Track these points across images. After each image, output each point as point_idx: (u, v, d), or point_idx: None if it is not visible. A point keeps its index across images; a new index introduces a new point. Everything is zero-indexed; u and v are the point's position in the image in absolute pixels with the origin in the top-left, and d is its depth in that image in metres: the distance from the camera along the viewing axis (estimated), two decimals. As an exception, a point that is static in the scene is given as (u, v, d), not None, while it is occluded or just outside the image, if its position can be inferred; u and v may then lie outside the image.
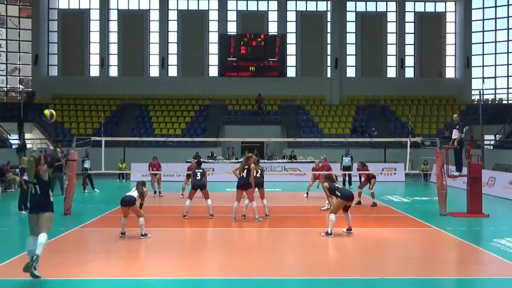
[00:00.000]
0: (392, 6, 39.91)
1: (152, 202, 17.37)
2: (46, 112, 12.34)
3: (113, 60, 39.46)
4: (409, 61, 39.86)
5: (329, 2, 39.51)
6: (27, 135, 32.98)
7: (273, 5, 39.32)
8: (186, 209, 14.13)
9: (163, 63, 38.94)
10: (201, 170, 14.26)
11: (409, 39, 39.94)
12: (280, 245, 11.27)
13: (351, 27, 39.74)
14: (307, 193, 19.42)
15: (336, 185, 12.30)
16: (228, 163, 27.61)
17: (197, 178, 14.11)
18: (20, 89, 39.31)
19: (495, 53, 39.50)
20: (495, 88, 39.71)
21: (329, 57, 39.27)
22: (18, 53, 39.34)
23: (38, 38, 38.54)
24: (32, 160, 8.33)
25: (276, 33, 39.07)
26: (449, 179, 15.84)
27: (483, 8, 39.60)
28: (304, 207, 17.39)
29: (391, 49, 39.94)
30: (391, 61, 39.85)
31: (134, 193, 11.40)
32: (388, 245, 11.14)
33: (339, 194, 11.93)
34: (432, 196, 18.53)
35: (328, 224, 11.67)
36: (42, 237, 7.99)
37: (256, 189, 14.30)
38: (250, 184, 13.78)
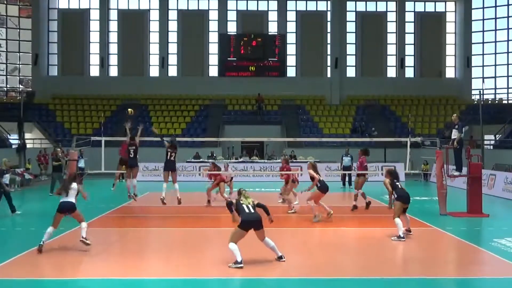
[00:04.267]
0: (392, 6, 39.91)
1: (151, 202, 17.34)
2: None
3: (113, 60, 39.46)
4: (409, 61, 39.85)
5: (329, 2, 39.51)
6: (27, 135, 33.02)
7: (273, 5, 39.32)
8: (163, 193, 14.16)
9: (163, 63, 38.94)
10: (175, 153, 14.49)
11: (409, 39, 39.93)
12: (280, 245, 11.25)
13: (351, 27, 39.74)
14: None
15: (397, 183, 11.78)
16: (227, 162, 27.59)
17: (171, 159, 14.36)
18: (20, 89, 39.31)
19: (495, 53, 39.49)
20: (495, 88, 39.70)
21: (329, 57, 39.26)
22: (18, 53, 39.34)
23: (38, 38, 38.53)
24: None
25: (276, 33, 39.05)
26: (449, 179, 15.83)
27: (483, 8, 39.60)
28: (303, 207, 17.35)
29: (391, 49, 39.94)
30: (391, 61, 39.85)
31: (72, 198, 10.50)
32: (388, 245, 11.12)
33: (395, 195, 11.57)
34: (432, 196, 18.52)
35: (397, 229, 11.27)
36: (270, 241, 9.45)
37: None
38: None
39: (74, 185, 10.54)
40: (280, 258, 9.27)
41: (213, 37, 39.46)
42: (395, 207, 11.51)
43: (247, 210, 9.21)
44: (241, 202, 9.33)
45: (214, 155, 29.60)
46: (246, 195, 9.52)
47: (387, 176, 11.91)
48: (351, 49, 39.75)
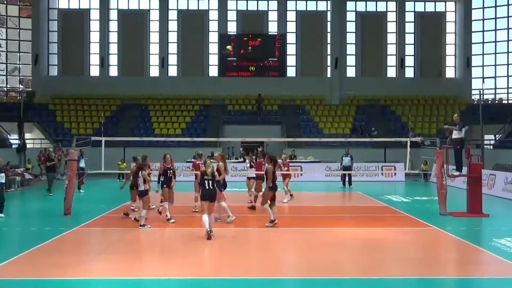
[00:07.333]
0: (392, 6, 39.89)
1: (151, 202, 17.34)
2: None
3: (113, 60, 39.45)
4: (409, 61, 39.83)
5: (329, 2, 39.49)
6: (27, 135, 33.02)
7: (273, 5, 39.30)
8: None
9: (163, 63, 38.92)
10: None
11: (409, 39, 39.92)
12: (280, 245, 11.27)
13: (351, 27, 39.72)
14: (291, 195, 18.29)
15: (276, 172, 12.79)
16: (227, 162, 27.57)
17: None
18: (20, 89, 39.30)
19: (495, 53, 39.47)
20: (495, 88, 39.69)
21: (329, 57, 39.25)
22: (18, 53, 39.33)
23: (38, 38, 38.51)
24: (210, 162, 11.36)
25: (276, 33, 39.05)
26: (449, 179, 15.84)
27: (483, 8, 39.59)
28: (303, 207, 17.38)
29: (391, 49, 39.92)
30: (391, 61, 39.84)
31: (142, 186, 12.70)
32: (388, 245, 11.13)
33: (271, 184, 12.41)
34: (432, 196, 18.53)
35: (269, 215, 12.47)
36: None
37: None
38: None
39: (139, 174, 12.71)
40: (210, 231, 10.92)
41: (213, 37, 39.45)
42: (266, 195, 12.37)
43: (206, 187, 11.15)
44: (205, 178, 11.09)
45: (214, 155, 29.56)
46: (209, 164, 11.22)
47: (270, 163, 12.47)
48: (351, 49, 39.73)
